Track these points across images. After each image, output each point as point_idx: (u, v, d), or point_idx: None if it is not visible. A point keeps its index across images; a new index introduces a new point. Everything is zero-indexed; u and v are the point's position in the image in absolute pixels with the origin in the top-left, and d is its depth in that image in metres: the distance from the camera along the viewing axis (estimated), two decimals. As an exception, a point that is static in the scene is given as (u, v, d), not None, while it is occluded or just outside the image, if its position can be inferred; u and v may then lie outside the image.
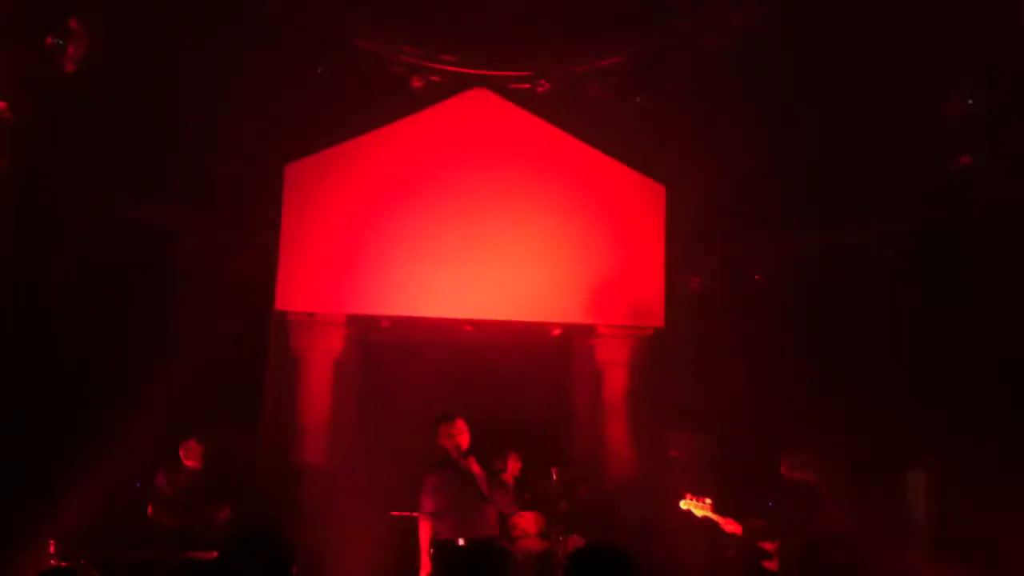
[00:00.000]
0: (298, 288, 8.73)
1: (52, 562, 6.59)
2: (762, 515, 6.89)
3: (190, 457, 7.58)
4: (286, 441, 8.80)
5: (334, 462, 8.72)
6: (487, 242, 8.85)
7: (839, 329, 8.22)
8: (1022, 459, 6.58)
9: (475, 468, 6.70)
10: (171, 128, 7.97)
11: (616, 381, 9.33)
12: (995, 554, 6.84)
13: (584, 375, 9.63)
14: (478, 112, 9.05)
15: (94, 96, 7.31)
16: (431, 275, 8.73)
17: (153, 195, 8.39)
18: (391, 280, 8.72)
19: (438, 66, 8.91)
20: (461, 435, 6.73)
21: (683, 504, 6.90)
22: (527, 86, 9.07)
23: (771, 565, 6.62)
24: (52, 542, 6.74)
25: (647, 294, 8.98)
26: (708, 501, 6.85)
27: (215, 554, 3.76)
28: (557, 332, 9.34)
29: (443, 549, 6.41)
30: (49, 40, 6.72)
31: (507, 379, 9.23)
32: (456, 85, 9.01)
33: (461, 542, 6.35)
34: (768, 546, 6.63)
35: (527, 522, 7.89)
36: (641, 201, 9.11)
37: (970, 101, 7.26)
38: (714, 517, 6.81)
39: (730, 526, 6.77)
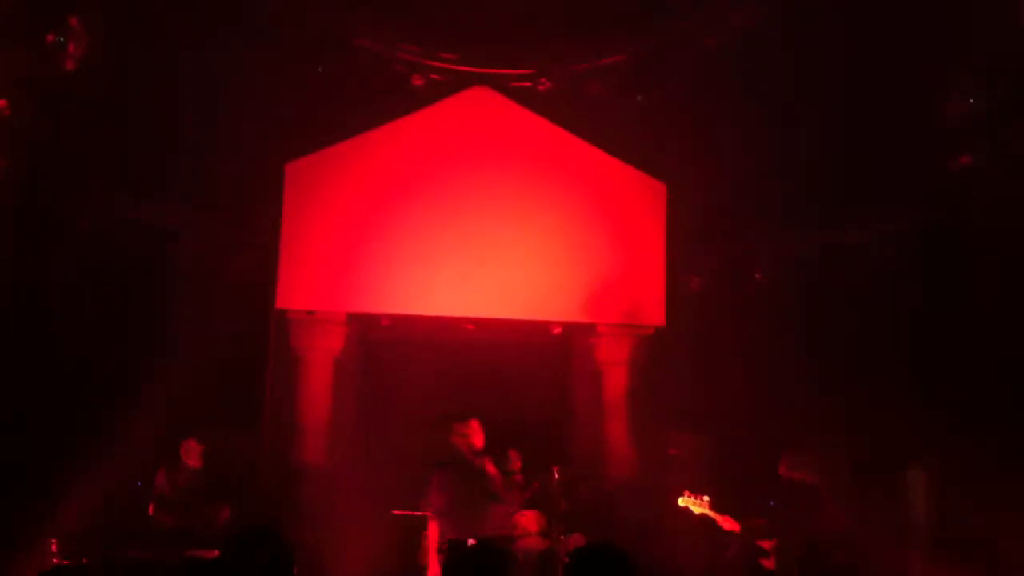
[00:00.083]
0: (298, 286, 8.75)
1: (55, 560, 6.60)
2: (762, 515, 6.90)
3: (190, 457, 7.59)
4: (286, 441, 8.81)
5: (334, 462, 8.72)
6: (487, 240, 8.86)
7: (839, 329, 8.21)
8: (1022, 459, 6.58)
9: (491, 469, 6.67)
10: (171, 128, 7.97)
11: (616, 380, 9.34)
12: (995, 554, 6.83)
13: (584, 374, 9.63)
14: (479, 111, 9.07)
15: (94, 96, 7.31)
16: (431, 273, 8.75)
17: (153, 195, 8.39)
18: (391, 278, 8.73)
19: (439, 64, 8.90)
20: (475, 435, 6.71)
21: (681, 501, 6.91)
22: (528, 84, 9.07)
23: (769, 563, 6.63)
24: (54, 542, 6.76)
25: (647, 293, 9.00)
26: (706, 499, 6.85)
27: (215, 554, 3.77)
28: (557, 331, 9.34)
29: (454, 549, 6.39)
30: (49, 39, 6.72)
31: (507, 378, 9.24)
32: (457, 84, 9.02)
33: (471, 542, 6.33)
34: (766, 544, 6.64)
35: (528, 521, 7.88)
36: (642, 200, 9.12)
37: (970, 101, 7.26)
38: (711, 514, 6.81)
39: (727, 523, 6.78)
